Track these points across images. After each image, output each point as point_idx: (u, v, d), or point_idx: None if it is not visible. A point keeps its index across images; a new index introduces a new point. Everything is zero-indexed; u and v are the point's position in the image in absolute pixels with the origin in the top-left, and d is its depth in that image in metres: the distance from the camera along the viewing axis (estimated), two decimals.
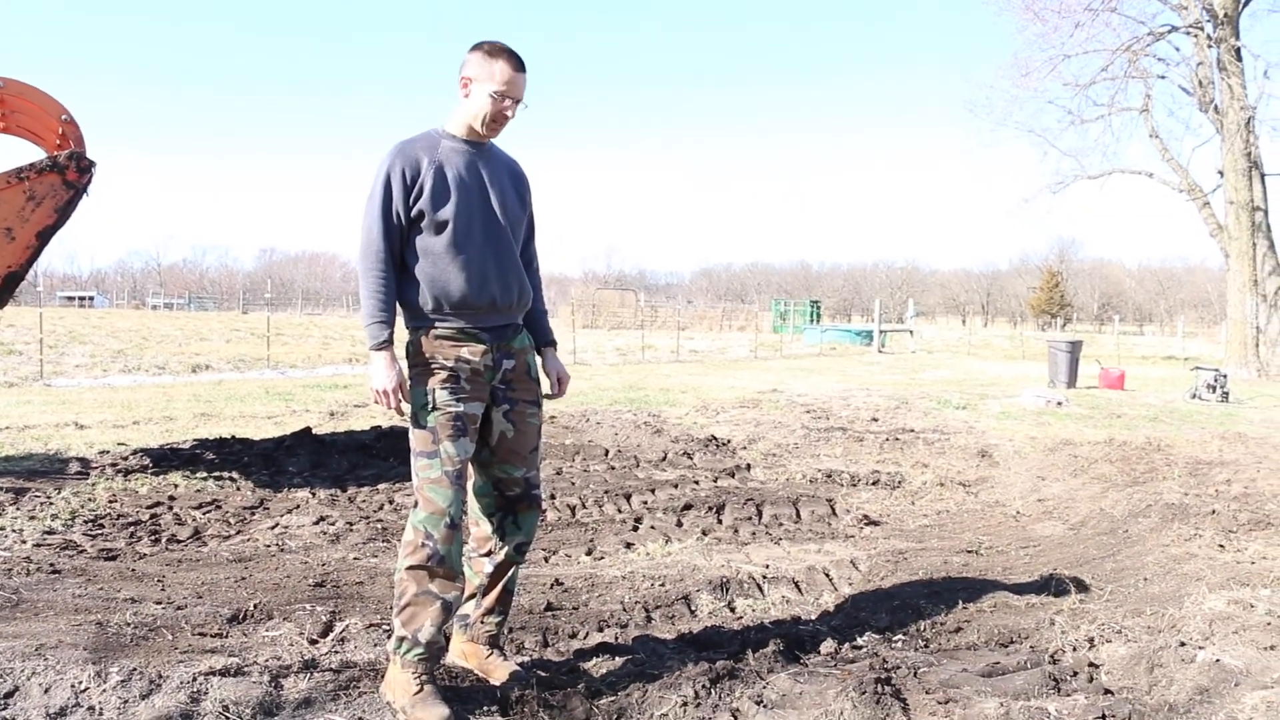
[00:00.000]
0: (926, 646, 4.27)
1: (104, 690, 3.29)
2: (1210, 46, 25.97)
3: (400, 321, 3.49)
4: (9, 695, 3.25)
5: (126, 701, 3.24)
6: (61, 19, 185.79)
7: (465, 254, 3.40)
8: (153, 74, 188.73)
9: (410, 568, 3.33)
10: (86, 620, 4.04)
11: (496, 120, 3.47)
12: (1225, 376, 17.51)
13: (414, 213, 3.37)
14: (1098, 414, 14.06)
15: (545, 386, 3.78)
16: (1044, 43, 28.58)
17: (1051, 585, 5.11)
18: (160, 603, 4.42)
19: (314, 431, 9.52)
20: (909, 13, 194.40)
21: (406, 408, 3.41)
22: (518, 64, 3.45)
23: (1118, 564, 5.72)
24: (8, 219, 6.52)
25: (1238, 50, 25.49)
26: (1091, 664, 3.96)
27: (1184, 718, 3.41)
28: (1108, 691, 3.65)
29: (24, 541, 5.55)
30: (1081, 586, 5.11)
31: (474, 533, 3.67)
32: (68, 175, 6.61)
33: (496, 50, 3.44)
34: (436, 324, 3.41)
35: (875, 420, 12.51)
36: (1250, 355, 25.35)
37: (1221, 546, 5.99)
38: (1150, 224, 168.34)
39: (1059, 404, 14.77)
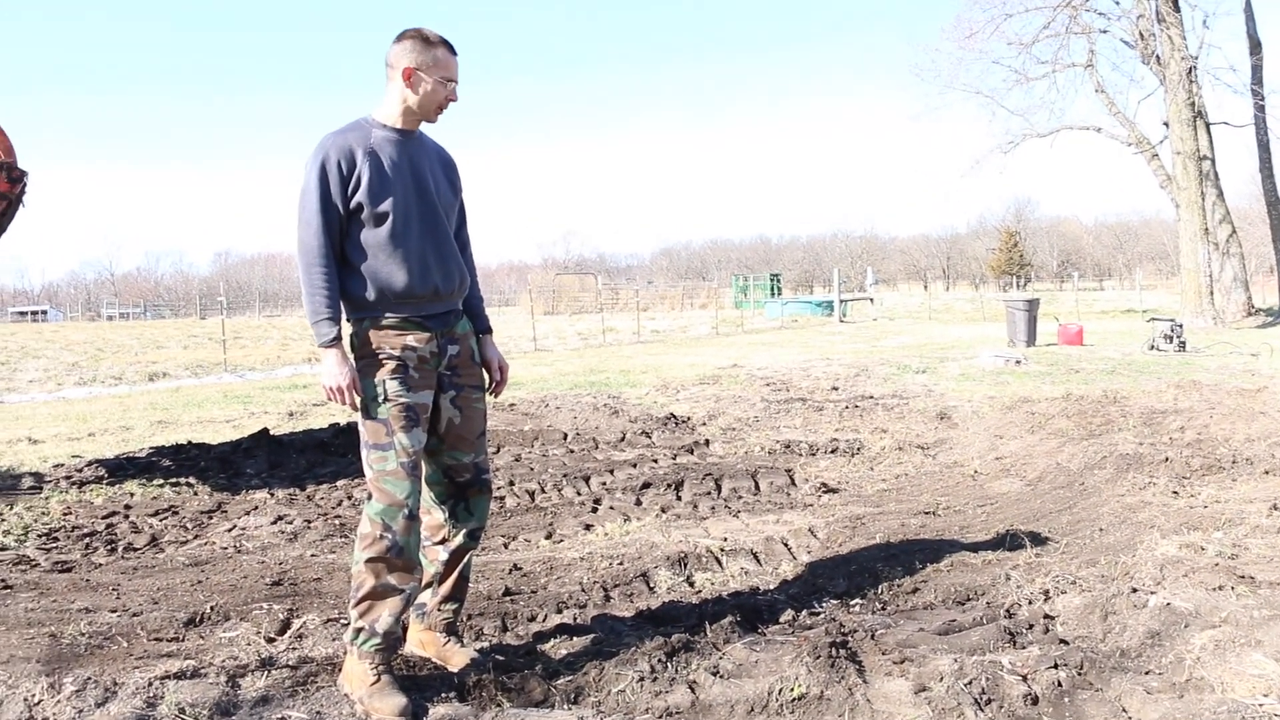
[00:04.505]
0: (884, 609, 4.31)
1: (58, 701, 3.25)
2: None
3: (343, 314, 3.46)
4: None
5: (81, 711, 3.20)
6: None
7: (406, 245, 3.38)
8: (92, 79, 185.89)
9: (369, 560, 3.31)
10: (40, 633, 3.99)
11: (442, 106, 3.49)
12: (1181, 326, 17.76)
13: (353, 205, 3.33)
14: (1056, 370, 14.21)
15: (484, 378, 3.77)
16: (986, 2, 28.85)
17: (1008, 541, 5.17)
18: (115, 611, 4.38)
19: (272, 432, 9.45)
20: None
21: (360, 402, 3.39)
22: (452, 49, 3.49)
23: (1074, 516, 5.79)
24: None
25: (1175, 1, 25.74)
26: (1047, 616, 4.01)
27: (1135, 661, 3.47)
28: (1063, 641, 3.70)
29: None
30: (1038, 540, 5.17)
31: (426, 521, 3.65)
32: None
33: (434, 37, 3.45)
34: (381, 315, 3.39)
35: (835, 389, 12.58)
36: (1205, 304, 25.70)
37: (1175, 493, 6.09)
38: (1105, 179, 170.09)
39: (1018, 363, 14.91)
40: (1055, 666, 3.30)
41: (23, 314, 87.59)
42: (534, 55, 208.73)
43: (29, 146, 7.15)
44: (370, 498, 3.37)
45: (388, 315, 3.39)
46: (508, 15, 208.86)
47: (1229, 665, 3.26)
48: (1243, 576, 4.10)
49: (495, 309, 61.64)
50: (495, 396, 3.86)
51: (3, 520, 6.41)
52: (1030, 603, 4.18)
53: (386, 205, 3.35)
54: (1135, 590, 4.01)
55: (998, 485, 6.95)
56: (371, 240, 3.36)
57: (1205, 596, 3.88)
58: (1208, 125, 26.38)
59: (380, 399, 3.34)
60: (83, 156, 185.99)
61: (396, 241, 3.37)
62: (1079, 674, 3.29)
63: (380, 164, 3.37)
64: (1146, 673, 3.36)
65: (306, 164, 3.35)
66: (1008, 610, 4.11)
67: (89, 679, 3.37)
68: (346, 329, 3.40)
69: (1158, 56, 26.30)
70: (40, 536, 6.05)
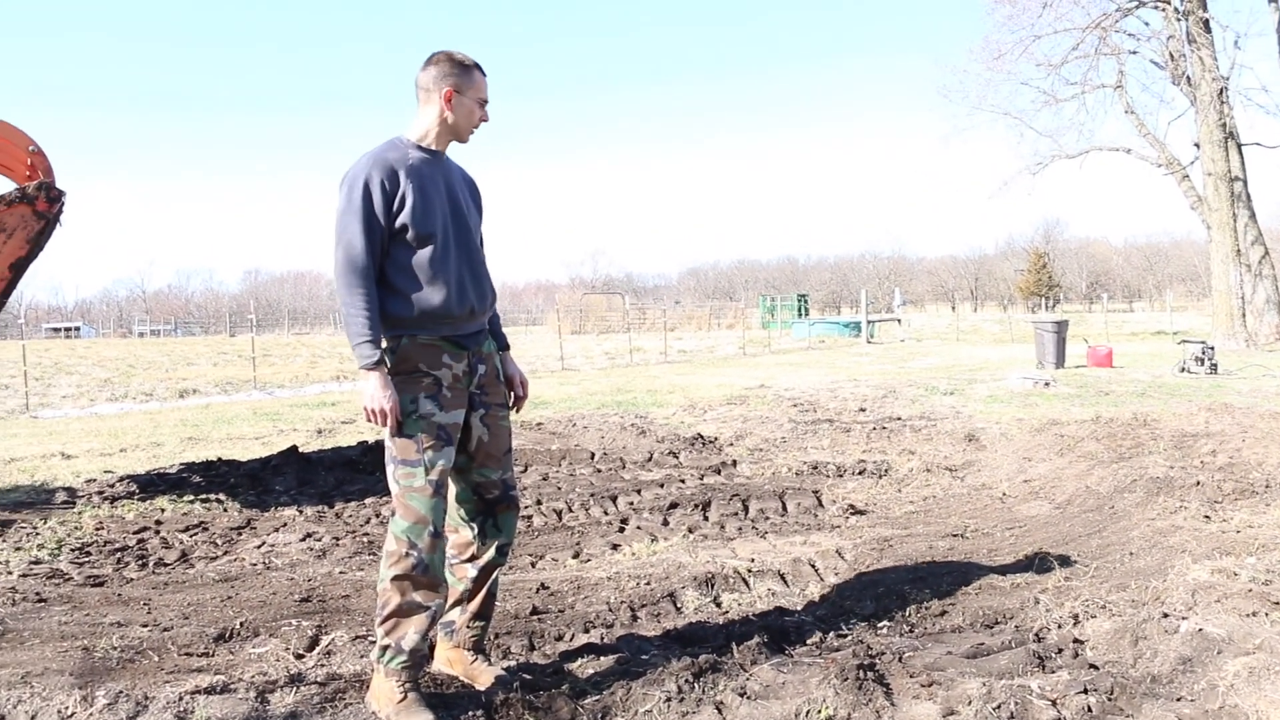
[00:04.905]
0: (911, 631, 4.29)
1: (90, 714, 3.29)
2: (1179, 19, 26.13)
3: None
4: None
5: None
6: (33, 46, 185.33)
7: (445, 266, 3.41)
8: (126, 98, 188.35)
9: (395, 578, 3.32)
10: (73, 646, 4.05)
11: (475, 127, 3.57)
12: (1212, 348, 17.60)
13: (396, 225, 3.34)
14: (1085, 393, 14.12)
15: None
16: (1014, 24, 28.77)
17: (1037, 564, 5.14)
18: (146, 625, 4.43)
19: (301, 450, 9.50)
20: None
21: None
22: (483, 71, 3.56)
23: (1103, 540, 5.74)
24: None
25: (1206, 22, 25.64)
26: (1076, 640, 3.97)
27: (1167, 688, 3.43)
28: (1092, 666, 3.67)
29: (10, 572, 5.54)
30: (1067, 564, 5.14)
31: (454, 539, 3.67)
32: (38, 206, 6.60)
33: (468, 60, 3.52)
34: (418, 334, 3.40)
35: (863, 410, 12.54)
36: (1237, 326, 25.46)
37: (1207, 517, 6.02)
38: (1135, 200, 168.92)
39: (1046, 385, 14.82)
40: (1085, 692, 3.28)
41: (56, 330, 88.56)
42: (563, 75, 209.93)
43: (65, 166, 7.23)
44: (395, 514, 3.38)
45: (424, 334, 3.41)
46: (539, 35, 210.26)
47: (1263, 693, 3.23)
48: (1277, 602, 4.05)
49: (522, 328, 61.82)
50: (517, 413, 3.88)
51: (37, 534, 6.49)
52: (1059, 627, 4.15)
53: (431, 227, 3.37)
54: (1166, 615, 3.97)
55: (1026, 508, 6.91)
56: (412, 261, 3.37)
57: (1238, 623, 3.83)
58: (1239, 146, 26.16)
59: (414, 415, 3.35)
60: (116, 175, 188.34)
61: (437, 263, 3.39)
62: (1109, 700, 3.26)
63: (422, 185, 3.39)
64: (1178, 699, 3.32)
65: (345, 183, 3.34)
66: (1037, 634, 4.08)
67: (121, 692, 3.41)
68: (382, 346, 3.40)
69: (1188, 77, 26.16)
70: (73, 551, 6.11)
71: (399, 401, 3.33)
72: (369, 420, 3.33)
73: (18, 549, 6.09)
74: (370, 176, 3.30)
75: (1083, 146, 29.22)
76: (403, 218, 3.33)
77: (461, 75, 3.47)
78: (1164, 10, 26.40)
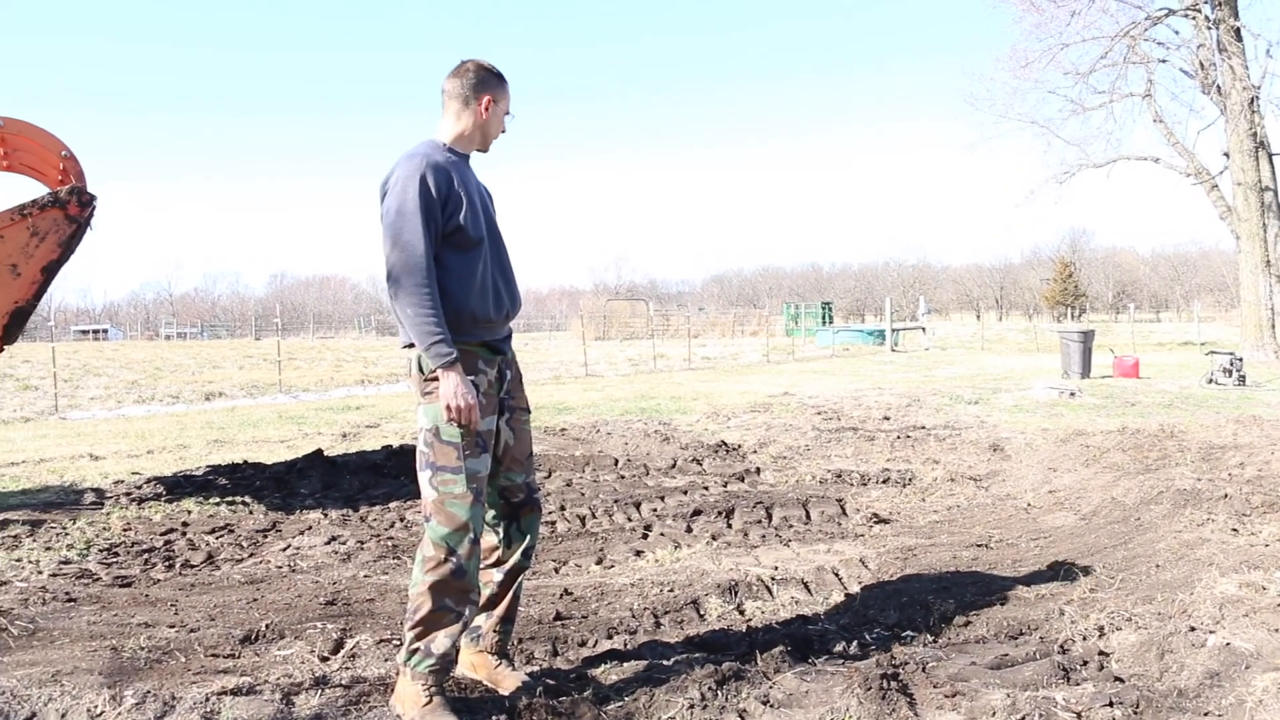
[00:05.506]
0: (935, 641, 4.28)
1: (119, 713, 3.33)
2: (1209, 28, 25.91)
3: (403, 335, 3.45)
4: None
5: None
6: (60, 48, 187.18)
7: (485, 270, 3.44)
8: (152, 101, 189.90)
9: (431, 584, 3.31)
10: (101, 646, 4.09)
11: (496, 137, 3.63)
12: (1240, 360, 17.44)
13: (449, 227, 3.34)
14: (1111, 403, 14.03)
15: None
16: (1041, 32, 28.52)
17: (1061, 575, 5.12)
18: (174, 626, 4.47)
19: (326, 453, 9.56)
20: (905, 7, 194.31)
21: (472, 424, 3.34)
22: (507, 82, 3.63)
23: (1129, 552, 5.71)
24: (13, 255, 6.58)
25: (1237, 30, 25.43)
26: (1101, 652, 3.95)
27: (1194, 702, 3.41)
28: (1117, 679, 3.65)
29: (40, 572, 5.60)
30: (1092, 576, 5.11)
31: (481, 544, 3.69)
32: (69, 210, 6.67)
33: (497, 70, 3.58)
34: (461, 339, 3.38)
35: (887, 419, 12.51)
36: (1266, 337, 25.21)
37: (1235, 530, 5.97)
38: (1162, 209, 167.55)
39: (1072, 395, 14.73)
40: (1110, 705, 3.26)
41: (85, 332, 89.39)
42: (586, 81, 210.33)
43: (95, 170, 7.31)
44: (432, 520, 3.34)
45: (466, 339, 3.40)
46: (562, 41, 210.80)
47: None
48: None
49: (546, 333, 61.95)
50: None
51: (66, 534, 6.55)
52: (1084, 639, 4.13)
53: (480, 231, 3.40)
54: (1193, 629, 3.95)
55: (1051, 519, 6.87)
56: (460, 265, 3.38)
57: (1267, 638, 3.80)
58: (1270, 155, 25.93)
59: (454, 423, 3.34)
60: (145, 179, 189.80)
61: (481, 267, 3.42)
62: (1134, 713, 3.24)
63: (468, 189, 3.42)
64: (1205, 714, 3.30)
65: (397, 184, 3.31)
66: (1061, 646, 4.06)
67: (148, 692, 3.45)
68: (415, 352, 3.37)
69: (1219, 86, 25.95)
70: (101, 551, 6.17)
71: (433, 405, 3.33)
72: (450, 419, 3.28)
73: (48, 549, 6.16)
74: (425, 176, 3.29)
75: (1110, 155, 29.00)
76: (458, 219, 3.34)
77: (498, 85, 3.54)
78: (1194, 18, 26.19)
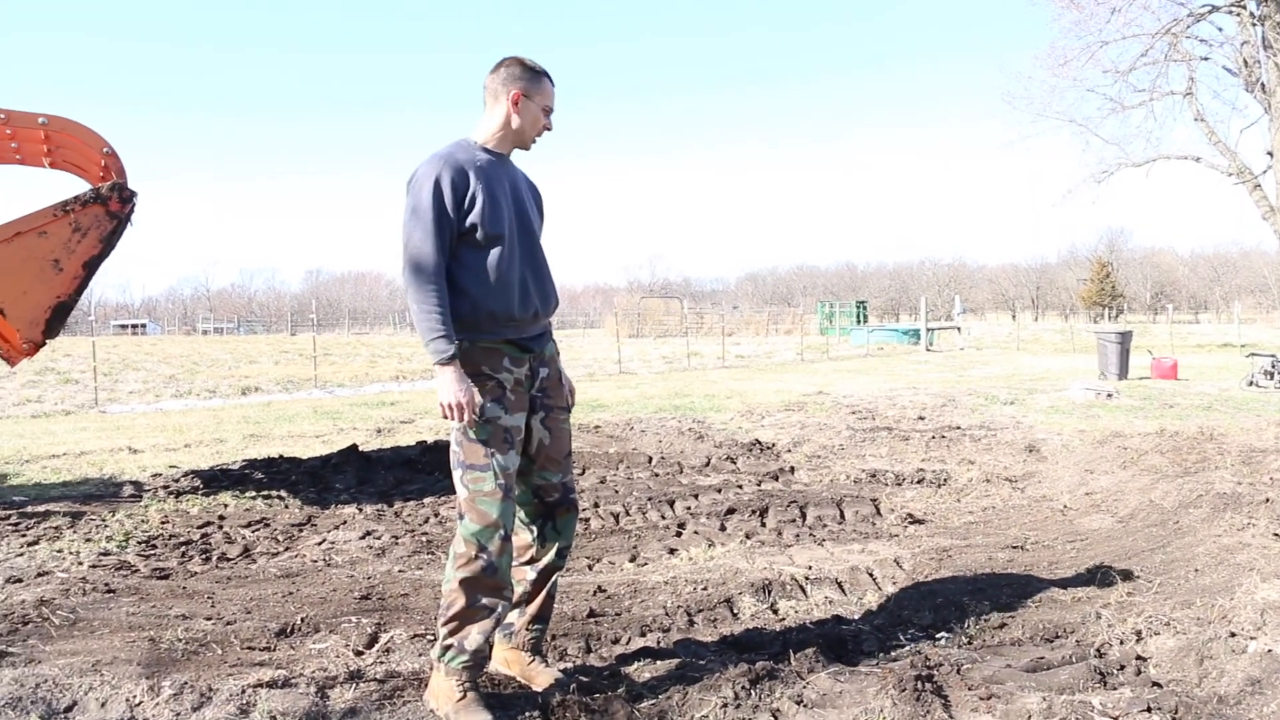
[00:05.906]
0: (970, 643, 4.25)
1: (157, 703, 3.37)
2: (1254, 24, 25.52)
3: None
4: (68, 710, 3.38)
5: (179, 714, 3.32)
6: (106, 49, 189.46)
7: (511, 268, 3.43)
8: (194, 100, 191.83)
9: (463, 580, 3.33)
10: (140, 637, 4.14)
11: (539, 135, 3.61)
12: None
13: (466, 225, 3.34)
14: (1149, 405, 13.87)
15: None
16: (1080, 30, 28.16)
17: (1098, 579, 5.06)
18: (210, 619, 4.51)
19: (361, 448, 9.62)
20: (942, 4, 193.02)
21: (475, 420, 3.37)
22: (552, 80, 3.60)
23: (1167, 556, 5.64)
24: (55, 251, 6.67)
25: None
26: (1139, 657, 3.91)
27: (1234, 709, 3.36)
28: (1156, 685, 3.60)
29: (81, 563, 5.67)
30: (1129, 579, 5.06)
31: (514, 542, 3.69)
32: (111, 206, 6.76)
33: (538, 67, 3.55)
34: (483, 336, 3.40)
35: (921, 419, 12.43)
36: None
37: (1276, 535, 5.88)
38: (1202, 209, 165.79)
39: (1109, 396, 14.59)
40: (1148, 710, 3.22)
41: (124, 327, 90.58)
42: (624, 80, 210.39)
43: (135, 167, 7.41)
44: (463, 518, 3.37)
45: (489, 337, 3.41)
46: (604, 36, 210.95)
47: None
48: None
49: (580, 331, 62.05)
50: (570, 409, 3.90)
51: (105, 526, 6.64)
52: (1121, 643, 4.08)
53: (500, 228, 3.39)
54: (1234, 635, 3.89)
55: (1088, 521, 6.81)
56: (479, 263, 3.38)
57: None
58: None
59: (480, 420, 3.35)
60: (184, 176, 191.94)
61: (504, 265, 3.40)
62: (1173, 719, 3.21)
63: (490, 186, 3.40)
64: None
65: (415, 183, 3.35)
66: (1098, 650, 4.02)
67: (186, 684, 3.49)
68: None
69: (1263, 84, 25.57)
70: (140, 543, 6.24)
71: (479, 401, 3.35)
72: (445, 416, 3.31)
73: (88, 540, 6.24)
74: (441, 175, 3.31)
75: (1150, 155, 28.64)
76: (472, 217, 3.34)
77: (531, 81, 3.51)
78: (1238, 15, 25.81)
